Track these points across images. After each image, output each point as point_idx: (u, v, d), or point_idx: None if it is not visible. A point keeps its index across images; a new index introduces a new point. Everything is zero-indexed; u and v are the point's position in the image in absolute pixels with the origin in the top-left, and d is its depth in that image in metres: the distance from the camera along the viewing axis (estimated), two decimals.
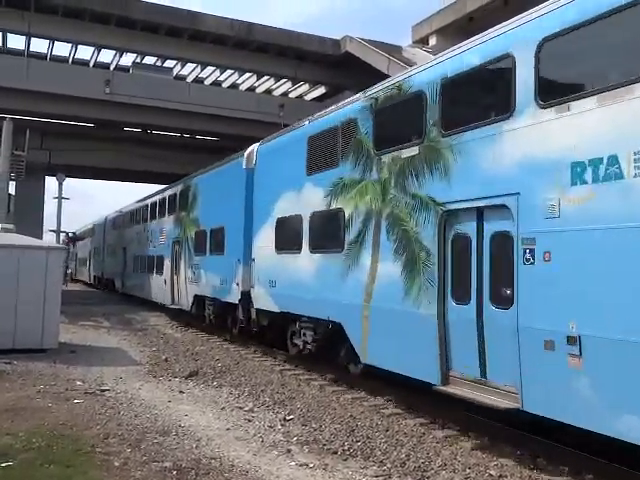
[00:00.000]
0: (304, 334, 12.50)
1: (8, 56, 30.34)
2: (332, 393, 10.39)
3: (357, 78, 29.36)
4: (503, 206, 7.26)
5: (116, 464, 6.44)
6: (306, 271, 11.91)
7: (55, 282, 14.22)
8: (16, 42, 42.19)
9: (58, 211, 36.34)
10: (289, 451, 7.17)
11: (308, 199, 12.02)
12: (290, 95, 37.24)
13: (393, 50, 29.01)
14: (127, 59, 32.81)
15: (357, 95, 11.03)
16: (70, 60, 32.40)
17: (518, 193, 7.02)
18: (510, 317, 7.04)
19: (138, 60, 32.57)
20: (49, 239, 36.23)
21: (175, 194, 22.45)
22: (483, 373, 7.60)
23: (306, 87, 36.54)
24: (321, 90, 36.23)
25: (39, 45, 32.08)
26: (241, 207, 15.28)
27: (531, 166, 6.90)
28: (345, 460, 6.94)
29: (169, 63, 33.37)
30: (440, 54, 9.08)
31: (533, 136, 6.94)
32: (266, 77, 35.28)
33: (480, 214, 7.80)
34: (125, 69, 32.73)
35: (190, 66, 34.34)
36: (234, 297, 15.54)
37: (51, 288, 13.91)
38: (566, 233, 6.38)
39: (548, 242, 6.59)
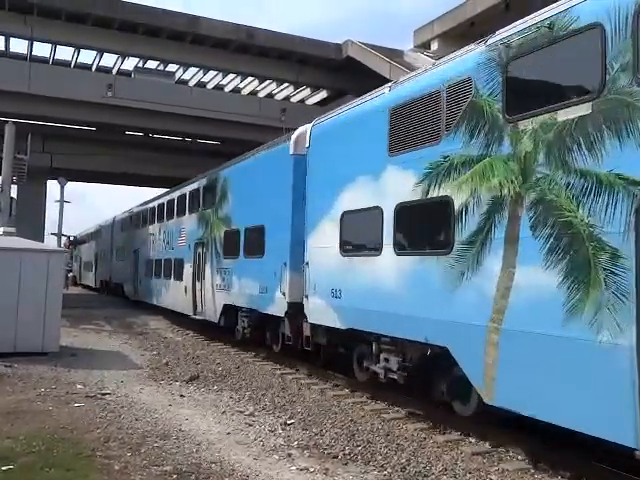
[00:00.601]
0: (385, 359, 9.70)
1: (11, 60, 30.49)
2: (333, 397, 10.37)
3: (359, 82, 29.45)
4: None
5: (116, 468, 6.42)
6: (389, 278, 9.25)
7: (56, 285, 14.23)
8: (19, 46, 42.32)
9: (60, 214, 36.39)
10: (290, 455, 7.16)
11: (391, 187, 9.38)
12: (292, 99, 37.35)
13: (394, 54, 29.12)
14: (129, 63, 32.97)
15: (466, 48, 8.50)
16: (72, 64, 32.55)
17: None
18: None
19: (140, 64, 32.68)
20: (51, 243, 36.23)
21: (198, 189, 19.83)
22: None
23: (308, 91, 36.64)
24: (323, 94, 36.35)
25: (41, 49, 32.15)
26: (288, 201, 12.87)
27: None
28: (345, 464, 6.92)
29: (171, 67, 33.48)
30: None
31: None
32: (268, 81, 35.39)
33: None
34: (127, 73, 32.84)
35: (192, 70, 34.48)
36: (278, 309, 13.12)
37: (52, 291, 13.92)
38: None
39: None
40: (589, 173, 6.27)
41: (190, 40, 30.36)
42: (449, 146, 8.24)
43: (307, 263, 11.80)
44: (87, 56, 32.59)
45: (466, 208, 7.89)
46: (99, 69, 33.32)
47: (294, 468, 6.72)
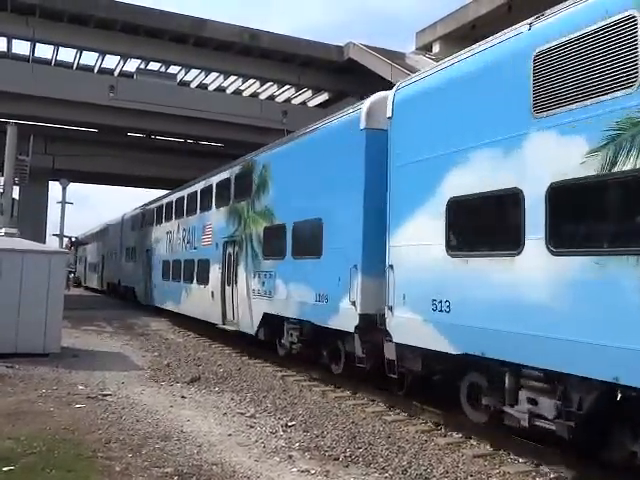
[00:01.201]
0: (531, 400, 6.99)
1: (13, 61, 30.54)
2: (334, 399, 10.37)
3: (360, 84, 29.52)
4: None
5: (117, 469, 6.42)
6: (539, 287, 6.65)
7: (57, 286, 14.23)
8: (21, 48, 42.35)
9: (61, 216, 36.44)
10: (291, 457, 7.15)
11: (539, 160, 6.81)
12: (293, 101, 37.37)
13: (396, 56, 29.13)
14: (131, 65, 33.02)
15: None
16: (74, 66, 32.60)
17: None
18: None
19: (142, 66, 32.72)
20: (53, 244, 36.25)
21: (228, 180, 17.07)
22: None
23: (309, 93, 36.67)
24: (324, 96, 36.38)
25: (44, 51, 32.22)
26: (358, 188, 10.38)
27: None
28: (347, 467, 6.91)
29: (173, 69, 33.52)
30: None
31: None
32: (270, 83, 35.42)
33: None
34: (129, 75, 32.89)
35: (194, 72, 34.51)
36: (344, 322, 10.60)
37: (54, 292, 13.92)
38: None
39: None
40: None
41: (193, 42, 30.40)
42: None
43: (391, 266, 9.20)
44: (89, 57, 32.68)
45: None
46: (101, 71, 33.37)
47: (295, 470, 6.71)
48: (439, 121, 8.56)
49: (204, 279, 18.37)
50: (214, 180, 18.48)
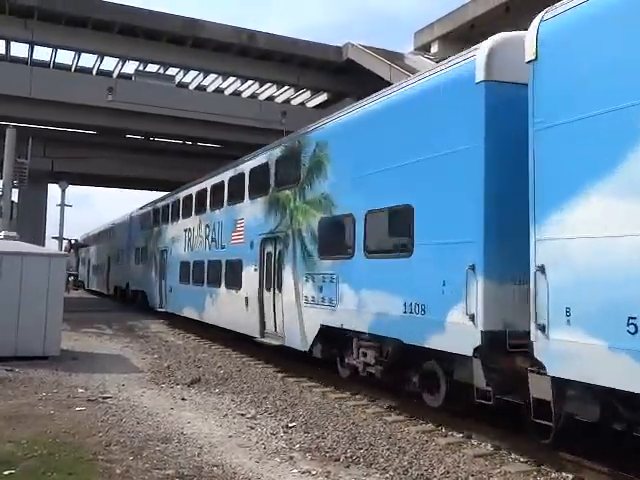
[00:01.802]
0: None
1: (11, 64, 30.55)
2: (334, 400, 10.36)
3: (359, 85, 29.52)
4: None
5: (118, 472, 6.42)
6: None
7: (57, 289, 14.22)
8: (19, 50, 42.39)
9: (61, 218, 36.42)
10: (291, 458, 7.15)
11: None
12: (292, 102, 37.38)
13: (395, 57, 29.15)
14: (130, 67, 33.02)
15: None
16: (73, 68, 32.61)
17: None
18: None
19: (141, 68, 32.74)
20: (52, 247, 36.22)
21: (266, 165, 14.50)
22: None
23: (308, 94, 36.69)
24: (323, 97, 36.39)
25: (42, 53, 32.27)
26: (475, 161, 7.98)
27: None
28: (347, 467, 6.91)
29: (172, 71, 33.53)
30: None
31: None
32: (268, 84, 35.44)
33: None
34: (128, 77, 32.89)
35: (192, 73, 34.52)
36: (456, 341, 8.12)
37: (53, 295, 13.91)
38: None
39: None
40: None
41: (191, 44, 30.41)
42: None
43: (540, 267, 6.66)
44: (87, 60, 32.71)
45: None
46: (100, 72, 33.38)
47: (296, 471, 6.71)
48: (630, 56, 5.91)
49: (235, 283, 15.74)
50: (246, 167, 15.77)
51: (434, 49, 29.94)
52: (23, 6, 26.66)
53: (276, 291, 13.52)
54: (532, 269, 6.72)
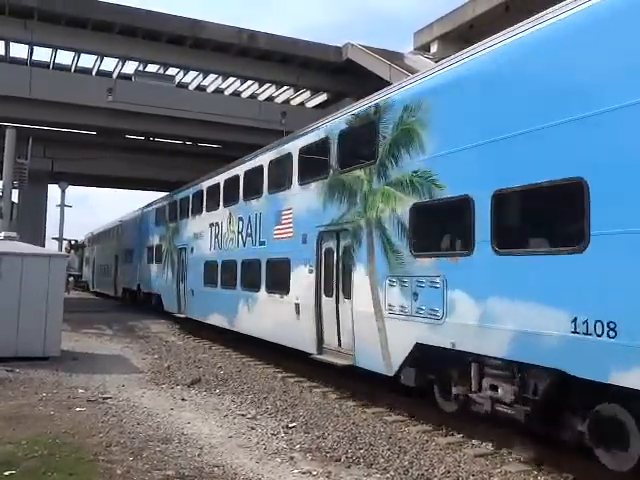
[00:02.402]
0: None
1: (11, 65, 30.51)
2: (334, 400, 10.36)
3: (359, 85, 29.50)
4: None
5: (118, 472, 6.42)
6: None
7: (57, 290, 14.23)
8: (19, 51, 42.46)
9: (60, 219, 36.39)
10: (292, 459, 7.15)
11: None
12: (292, 102, 37.37)
13: (394, 57, 29.13)
14: (129, 67, 33.01)
15: None
16: (73, 68, 32.57)
17: None
18: None
19: (140, 68, 32.73)
20: (53, 247, 36.19)
21: (324, 142, 11.76)
22: None
23: (308, 94, 36.68)
24: (323, 97, 36.37)
25: (42, 54, 32.22)
26: None
27: None
28: (348, 467, 6.91)
29: (171, 71, 33.51)
30: None
31: None
32: (268, 84, 35.43)
33: None
34: (127, 77, 32.88)
35: (192, 74, 34.50)
36: None
37: (53, 295, 13.91)
38: None
39: None
40: None
41: (191, 44, 30.40)
42: None
43: None
44: (87, 60, 32.69)
45: None
46: (99, 73, 33.35)
47: (296, 471, 6.71)
48: None
49: (280, 286, 13.18)
50: (294, 146, 13.15)
51: (434, 49, 29.94)
52: (23, 7, 26.63)
53: (341, 297, 10.97)
54: None
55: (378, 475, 6.67)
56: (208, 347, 17.28)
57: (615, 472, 6.27)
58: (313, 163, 12.42)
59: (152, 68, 33.07)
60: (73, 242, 55.49)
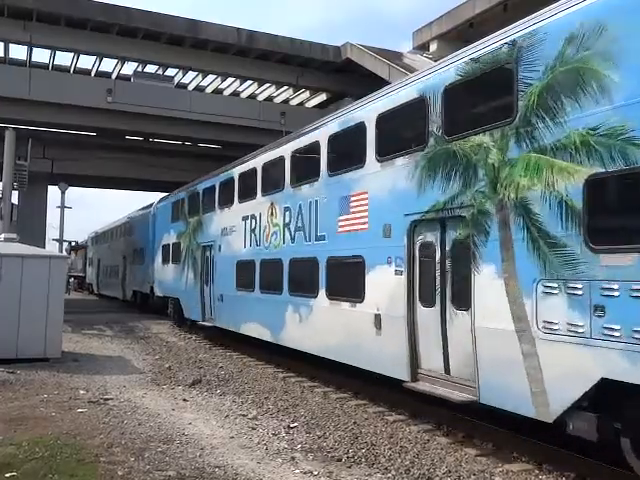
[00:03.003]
0: None
1: (10, 66, 30.49)
2: (336, 400, 10.36)
3: (358, 84, 29.49)
4: None
5: (120, 473, 6.41)
6: None
7: (58, 291, 14.23)
8: (18, 52, 42.46)
9: (60, 220, 36.40)
10: (293, 459, 7.15)
11: None
12: (291, 102, 37.37)
13: (394, 56, 29.13)
14: (128, 68, 33.01)
15: None
16: (72, 69, 32.56)
17: None
18: None
19: (139, 69, 32.72)
20: (54, 249, 36.17)
21: (419, 102, 9.10)
22: None
23: (307, 94, 36.67)
24: (322, 97, 36.36)
25: (41, 55, 32.15)
26: None
27: None
28: (349, 467, 6.91)
29: (170, 72, 33.51)
30: None
31: None
32: (267, 84, 35.43)
33: None
34: (127, 78, 32.88)
35: (191, 74, 34.49)
36: None
37: (54, 297, 13.92)
38: None
39: None
40: None
41: (190, 44, 30.39)
42: None
43: None
44: (86, 61, 32.67)
45: None
46: (99, 74, 33.35)
47: (298, 471, 6.71)
48: None
49: (349, 292, 10.55)
50: (368, 113, 10.36)
51: (433, 48, 29.92)
52: (22, 8, 26.61)
53: (449, 307, 8.34)
54: None
55: (379, 475, 6.68)
56: (209, 347, 17.28)
57: (615, 471, 6.28)
58: (400, 132, 10.02)
59: (151, 69, 33.07)
60: (73, 243, 55.31)
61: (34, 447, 7.19)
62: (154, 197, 34.12)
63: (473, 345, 7.63)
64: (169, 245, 22.85)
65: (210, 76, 34.63)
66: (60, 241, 36.62)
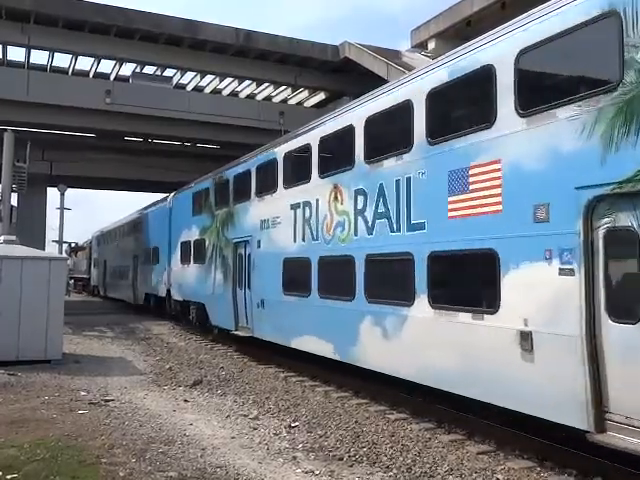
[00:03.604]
0: None
1: (8, 68, 30.50)
2: (337, 399, 10.36)
3: (357, 83, 29.47)
4: None
5: (121, 474, 6.41)
6: None
7: (58, 293, 14.23)
8: (16, 54, 42.37)
9: (60, 222, 36.37)
10: (295, 458, 7.15)
11: None
12: (290, 102, 37.37)
13: (392, 55, 29.14)
14: (127, 69, 33.01)
15: None
16: (70, 71, 32.55)
17: None
18: None
19: (138, 70, 32.72)
20: (54, 251, 36.13)
21: (605, 18, 6.21)
22: None
23: (306, 94, 36.67)
24: (321, 96, 36.36)
25: (39, 57, 32.17)
26: None
27: None
28: (351, 466, 6.91)
29: (169, 72, 33.51)
30: None
31: None
32: (266, 84, 35.42)
33: None
34: (125, 79, 32.88)
35: (190, 75, 34.50)
36: None
37: (54, 299, 13.91)
38: None
39: None
40: None
41: (188, 45, 30.39)
42: None
43: None
44: (85, 63, 32.67)
45: None
46: (97, 75, 33.34)
47: (299, 471, 6.71)
48: None
49: (470, 299, 8.00)
50: (502, 49, 7.64)
51: (431, 46, 29.92)
52: (20, 10, 26.60)
53: None
54: None
55: (381, 473, 6.68)
56: (210, 348, 17.27)
57: (617, 468, 6.27)
58: (566, 72, 7.17)
59: (149, 70, 33.07)
60: (73, 245, 55.19)
61: (35, 449, 7.19)
62: (154, 197, 34.14)
63: None
64: (190, 242, 20.31)
65: (208, 76, 34.63)
66: (60, 243, 36.60)
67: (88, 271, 47.91)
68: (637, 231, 5.84)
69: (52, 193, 39.60)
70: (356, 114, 10.70)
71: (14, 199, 28.58)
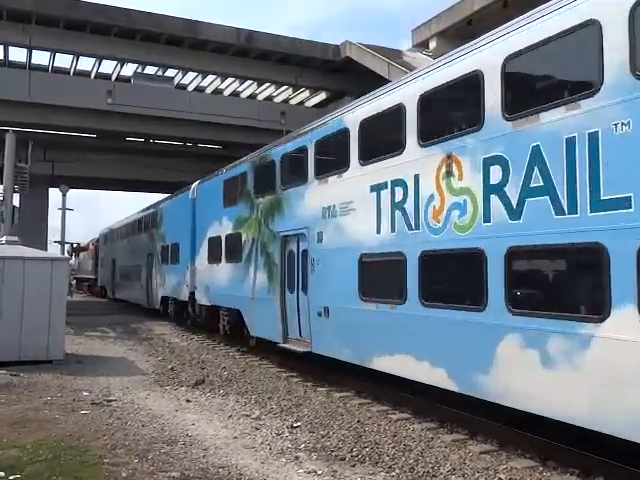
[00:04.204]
0: None
1: (10, 69, 30.56)
2: (339, 399, 10.35)
3: (358, 83, 29.47)
4: None
5: (124, 475, 6.41)
6: None
7: (60, 293, 14.24)
8: (17, 55, 42.42)
9: (62, 222, 36.44)
10: (297, 458, 7.15)
11: None
12: (291, 102, 37.38)
13: (393, 54, 29.14)
14: (128, 69, 33.04)
15: None
16: (71, 72, 32.59)
17: None
18: None
19: (139, 70, 32.75)
20: (56, 251, 36.17)
21: None
22: None
23: (307, 93, 36.68)
24: (322, 96, 36.36)
25: (40, 57, 32.23)
26: None
27: None
28: (353, 466, 6.91)
29: (170, 72, 33.53)
30: None
31: None
32: (267, 84, 35.44)
33: None
34: (126, 79, 32.91)
35: (191, 75, 34.52)
36: None
37: (56, 299, 13.92)
38: None
39: None
40: None
41: (189, 45, 30.41)
42: None
43: None
44: (86, 63, 32.71)
45: None
46: (98, 76, 33.38)
47: (302, 471, 6.71)
48: None
49: None
50: None
51: (432, 45, 29.91)
52: (21, 11, 26.64)
53: None
54: None
55: (383, 473, 6.67)
56: (212, 348, 17.26)
57: (620, 467, 6.26)
58: None
59: (151, 70, 33.10)
60: (75, 245, 55.16)
61: (38, 449, 7.20)
62: (155, 198, 34.14)
63: None
64: (220, 238, 17.33)
65: (210, 76, 34.66)
66: (62, 243, 36.65)
67: (94, 271, 45.17)
68: None
69: (54, 194, 39.78)
70: (495, 50, 7.64)
71: (16, 200, 28.62)
